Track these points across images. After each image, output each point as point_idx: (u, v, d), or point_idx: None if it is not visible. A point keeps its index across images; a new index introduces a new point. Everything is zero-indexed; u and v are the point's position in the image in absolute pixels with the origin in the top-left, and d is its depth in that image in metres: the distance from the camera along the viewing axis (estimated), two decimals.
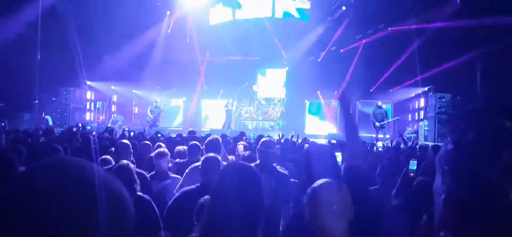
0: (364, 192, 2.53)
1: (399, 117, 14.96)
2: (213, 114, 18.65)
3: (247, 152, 4.55)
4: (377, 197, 2.99)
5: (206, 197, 1.68)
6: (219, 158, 3.04)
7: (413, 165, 2.83)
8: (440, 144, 8.83)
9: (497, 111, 0.62)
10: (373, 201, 2.80)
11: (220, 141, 4.34)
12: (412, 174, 2.82)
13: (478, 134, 0.61)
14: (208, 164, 2.88)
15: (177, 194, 2.87)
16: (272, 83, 18.62)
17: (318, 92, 17.23)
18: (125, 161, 3.21)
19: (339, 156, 3.34)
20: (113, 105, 18.62)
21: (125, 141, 4.49)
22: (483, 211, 0.59)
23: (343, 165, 3.23)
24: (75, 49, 13.39)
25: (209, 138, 4.26)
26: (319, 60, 17.70)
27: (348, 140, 2.54)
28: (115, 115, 17.31)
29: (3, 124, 11.75)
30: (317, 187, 1.76)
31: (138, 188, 3.03)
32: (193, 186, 2.83)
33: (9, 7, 12.34)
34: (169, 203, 2.81)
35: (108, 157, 4.22)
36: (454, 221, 0.63)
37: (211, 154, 3.01)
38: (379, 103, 13.74)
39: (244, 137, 8.86)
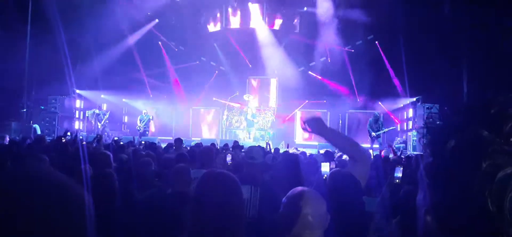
0: (351, 201, 2.53)
1: (394, 127, 15.04)
2: (203, 123, 18.63)
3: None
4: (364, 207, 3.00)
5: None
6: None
7: (398, 172, 2.86)
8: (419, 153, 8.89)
9: (476, 121, 0.62)
10: (360, 210, 2.82)
11: (213, 150, 4.36)
12: (397, 181, 2.84)
13: (456, 144, 0.61)
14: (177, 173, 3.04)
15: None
16: (263, 92, 18.70)
17: (306, 101, 17.33)
18: (108, 170, 3.21)
19: (326, 166, 3.34)
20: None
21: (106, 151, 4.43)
22: (464, 222, 0.59)
23: (329, 173, 3.24)
24: (65, 57, 13.27)
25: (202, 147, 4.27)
26: (309, 72, 17.86)
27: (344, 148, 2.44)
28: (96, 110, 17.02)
29: None
30: (291, 196, 1.73)
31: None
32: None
33: None
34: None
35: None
36: (436, 234, 0.63)
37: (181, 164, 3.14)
38: (377, 113, 13.76)
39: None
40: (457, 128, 0.63)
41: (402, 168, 2.83)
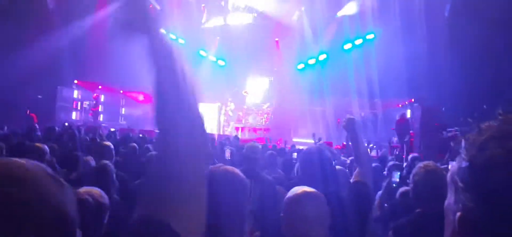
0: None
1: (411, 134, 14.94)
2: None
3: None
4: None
5: None
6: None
7: (395, 177, 2.86)
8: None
9: None
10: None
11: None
12: (394, 185, 2.85)
13: (495, 150, 0.61)
14: None
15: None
16: (261, 89, 18.66)
17: (303, 98, 17.30)
18: (105, 161, 3.16)
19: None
20: (100, 105, 18.35)
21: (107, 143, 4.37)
22: (502, 228, 0.58)
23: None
24: (63, 47, 13.18)
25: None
26: (308, 70, 17.82)
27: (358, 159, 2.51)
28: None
29: None
30: (293, 196, 1.72)
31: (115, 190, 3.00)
32: None
33: None
34: None
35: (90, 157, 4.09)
36: None
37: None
38: (401, 114, 13.58)
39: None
40: (495, 135, 0.63)
41: (399, 173, 2.84)
